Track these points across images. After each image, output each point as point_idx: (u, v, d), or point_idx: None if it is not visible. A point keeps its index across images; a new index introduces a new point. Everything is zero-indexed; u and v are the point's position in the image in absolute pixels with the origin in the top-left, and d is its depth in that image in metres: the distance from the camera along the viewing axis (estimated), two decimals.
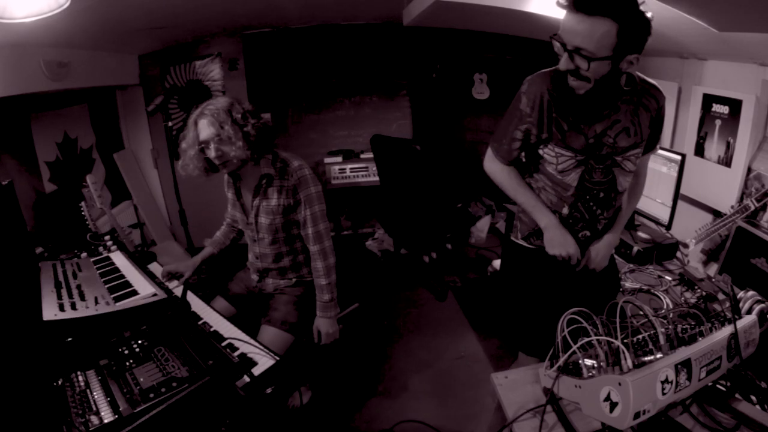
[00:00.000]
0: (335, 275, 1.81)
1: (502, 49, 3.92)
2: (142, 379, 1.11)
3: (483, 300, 3.08)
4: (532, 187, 1.45)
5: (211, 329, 1.55)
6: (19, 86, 2.15)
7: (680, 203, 1.96)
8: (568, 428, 1.05)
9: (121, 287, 1.61)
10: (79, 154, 3.05)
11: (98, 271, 1.76)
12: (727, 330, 1.08)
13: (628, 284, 1.80)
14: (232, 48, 3.71)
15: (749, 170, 1.85)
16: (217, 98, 1.70)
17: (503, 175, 1.45)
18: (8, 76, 2.06)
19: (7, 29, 1.56)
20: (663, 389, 0.94)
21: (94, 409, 1.02)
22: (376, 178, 3.62)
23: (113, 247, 2.03)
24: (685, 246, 1.96)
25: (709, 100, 2.01)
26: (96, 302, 1.43)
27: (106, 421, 0.98)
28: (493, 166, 1.47)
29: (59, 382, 1.10)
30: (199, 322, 1.58)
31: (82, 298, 1.47)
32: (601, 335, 1.02)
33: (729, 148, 1.92)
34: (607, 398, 0.94)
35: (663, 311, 1.44)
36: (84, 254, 1.95)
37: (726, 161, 1.93)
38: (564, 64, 1.19)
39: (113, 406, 1.02)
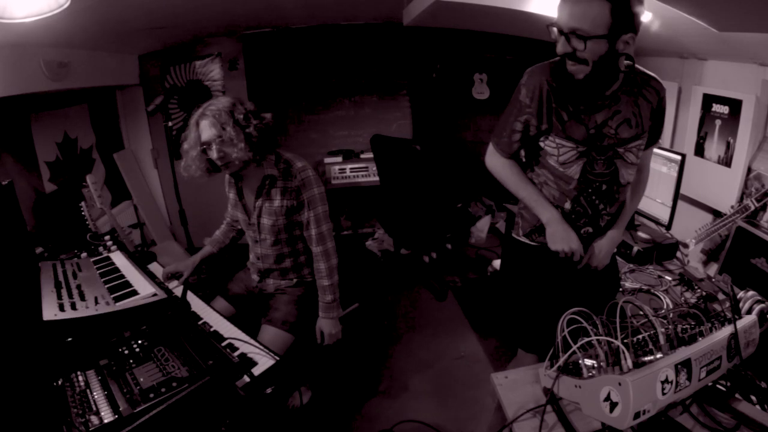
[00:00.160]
0: (338, 276, 1.81)
1: (502, 49, 3.93)
2: (142, 379, 1.11)
3: (483, 300, 3.07)
4: (533, 182, 1.44)
5: (211, 329, 1.55)
6: (19, 86, 2.15)
7: (680, 203, 1.96)
8: (568, 428, 1.05)
9: (121, 287, 1.61)
10: (79, 154, 3.05)
11: (98, 271, 1.76)
12: (727, 330, 1.08)
13: (628, 284, 1.80)
14: (232, 48, 3.71)
15: (749, 170, 1.85)
16: (219, 98, 1.68)
17: (504, 169, 1.45)
18: (8, 76, 2.06)
19: (7, 29, 1.56)
20: (663, 389, 0.94)
21: (94, 409, 1.02)
22: (376, 178, 3.61)
23: (113, 247, 2.03)
24: (685, 246, 1.96)
25: (709, 100, 2.01)
26: (96, 302, 1.43)
27: (106, 421, 0.98)
28: (494, 160, 1.47)
29: (59, 382, 1.10)
30: (199, 322, 1.58)
31: (82, 298, 1.47)
32: (601, 335, 1.02)
33: (729, 148, 1.92)
34: (607, 398, 0.94)
35: (663, 311, 1.44)
36: (84, 254, 1.95)
37: (726, 161, 1.93)
38: (561, 47, 1.20)
39: (113, 406, 1.02)
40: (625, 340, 1.00)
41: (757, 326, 1.15)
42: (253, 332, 1.59)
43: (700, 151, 2.08)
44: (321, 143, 4.09)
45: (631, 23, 1.15)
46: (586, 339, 1.03)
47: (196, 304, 1.71)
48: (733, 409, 1.05)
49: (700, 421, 1.04)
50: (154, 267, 1.99)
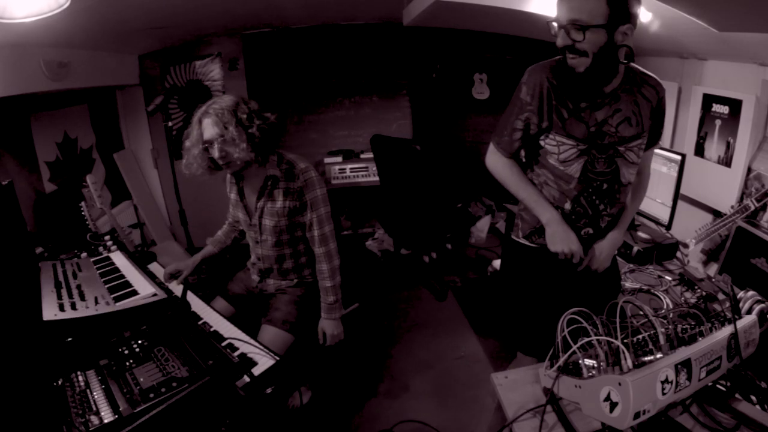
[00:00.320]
0: (340, 277, 1.81)
1: (502, 49, 3.93)
2: (142, 379, 1.11)
3: (483, 300, 3.07)
4: (533, 182, 1.44)
5: (211, 329, 1.55)
6: (19, 86, 2.15)
7: (680, 203, 1.96)
8: (568, 428, 1.05)
9: (121, 287, 1.61)
10: (79, 154, 3.05)
11: (98, 271, 1.76)
12: (727, 330, 1.08)
13: (628, 284, 1.80)
14: (232, 48, 3.71)
15: (749, 170, 1.85)
16: (222, 97, 1.67)
17: (505, 169, 1.45)
18: (8, 76, 2.06)
19: (7, 29, 1.56)
20: (663, 389, 0.94)
21: (94, 409, 1.02)
22: (376, 178, 3.61)
23: (113, 247, 2.03)
24: (685, 246, 1.96)
25: (709, 100, 2.01)
26: (96, 302, 1.43)
27: (106, 421, 0.98)
28: (494, 160, 1.47)
29: (59, 382, 1.10)
30: (199, 322, 1.58)
31: (82, 298, 1.47)
32: (601, 335, 1.02)
33: (729, 148, 1.92)
34: (607, 398, 0.94)
35: (663, 311, 1.44)
36: (84, 254, 1.95)
37: (726, 161, 1.93)
38: (561, 40, 1.22)
39: (113, 406, 1.02)
40: (625, 340, 1.00)
41: (757, 326, 1.15)
42: (253, 332, 1.59)
43: (700, 151, 2.08)
44: (321, 143, 4.09)
45: (628, 14, 1.17)
46: (586, 339, 1.03)
47: (196, 304, 1.71)
48: (733, 409, 1.05)
49: (700, 421, 1.04)
50: (154, 267, 1.99)
